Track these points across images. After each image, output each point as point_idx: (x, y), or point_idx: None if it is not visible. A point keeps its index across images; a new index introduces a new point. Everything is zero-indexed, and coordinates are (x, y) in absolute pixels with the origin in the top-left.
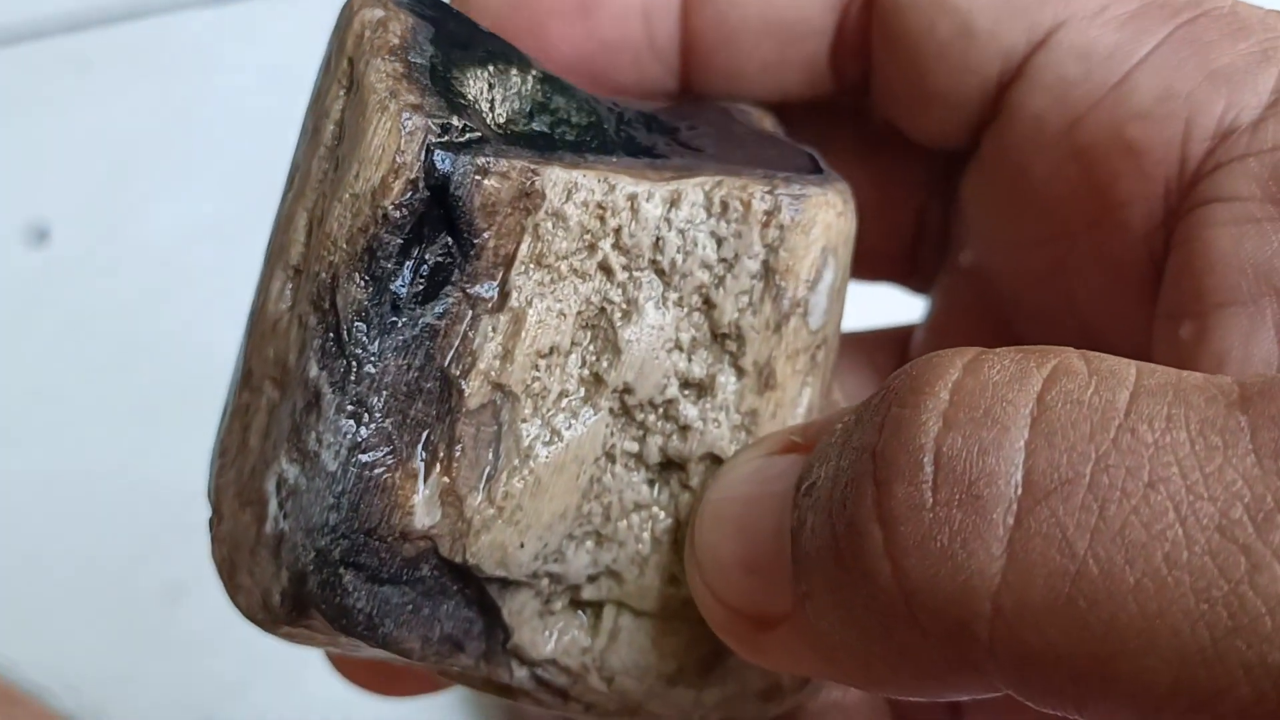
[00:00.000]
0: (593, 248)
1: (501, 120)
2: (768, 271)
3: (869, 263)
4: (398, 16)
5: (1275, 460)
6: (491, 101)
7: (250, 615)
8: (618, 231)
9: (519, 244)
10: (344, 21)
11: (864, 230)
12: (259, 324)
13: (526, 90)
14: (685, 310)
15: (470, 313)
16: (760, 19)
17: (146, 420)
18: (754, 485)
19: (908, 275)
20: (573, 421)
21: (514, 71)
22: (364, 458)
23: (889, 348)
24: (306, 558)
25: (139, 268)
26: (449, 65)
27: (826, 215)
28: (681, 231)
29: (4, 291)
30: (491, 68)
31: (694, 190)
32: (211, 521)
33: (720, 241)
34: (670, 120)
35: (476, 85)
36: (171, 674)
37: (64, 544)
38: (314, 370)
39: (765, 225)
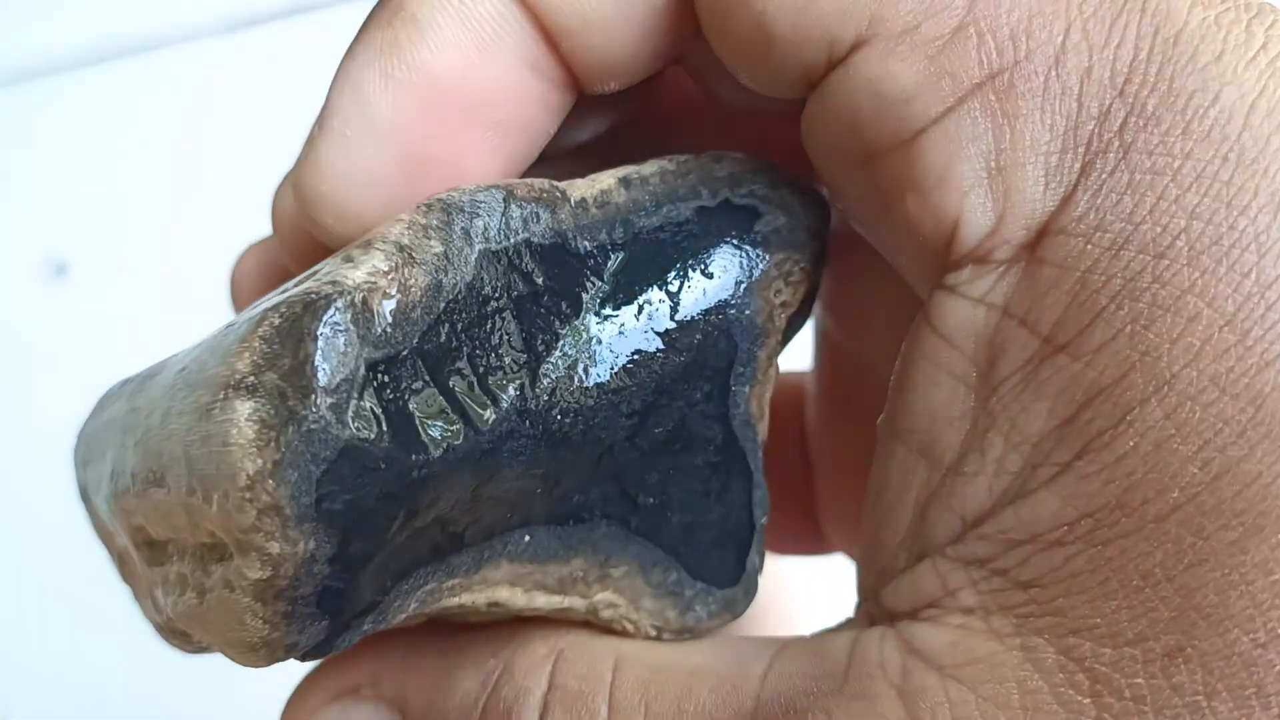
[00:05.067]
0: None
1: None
2: None
3: None
4: (295, 548)
5: None
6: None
7: None
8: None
9: None
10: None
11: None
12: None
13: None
14: None
15: None
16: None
17: None
18: None
19: None
20: None
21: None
22: None
23: None
24: None
25: (157, 299)
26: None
27: None
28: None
29: (25, 325)
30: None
31: (579, 605)
32: None
33: None
34: (637, 473)
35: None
36: (202, 704)
37: (86, 575)
38: None
39: None
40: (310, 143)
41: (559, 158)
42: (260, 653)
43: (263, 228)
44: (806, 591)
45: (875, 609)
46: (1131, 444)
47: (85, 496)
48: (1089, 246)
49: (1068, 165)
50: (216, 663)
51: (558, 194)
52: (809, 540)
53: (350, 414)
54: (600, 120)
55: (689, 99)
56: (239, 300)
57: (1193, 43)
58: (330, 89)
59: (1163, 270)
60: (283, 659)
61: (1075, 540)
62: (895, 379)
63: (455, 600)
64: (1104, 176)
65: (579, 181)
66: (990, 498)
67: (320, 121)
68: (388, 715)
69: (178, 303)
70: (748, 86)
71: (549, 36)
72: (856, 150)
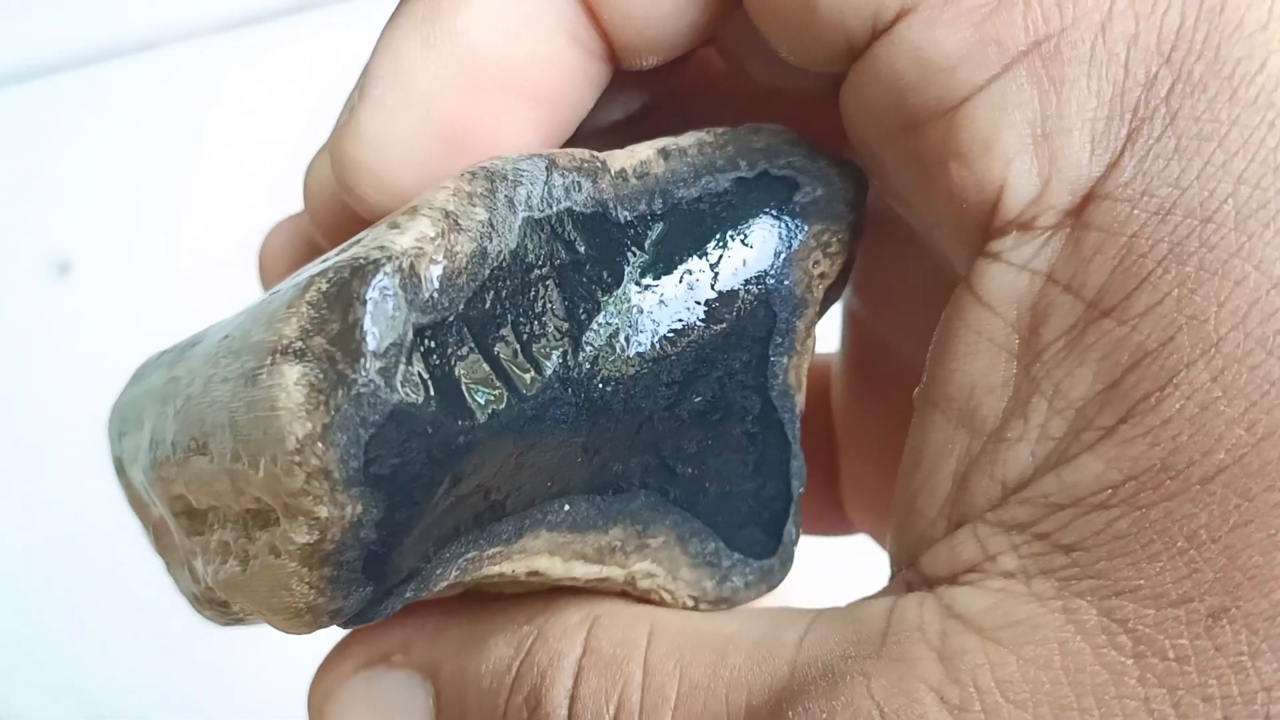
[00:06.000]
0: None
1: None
2: None
3: None
4: (343, 512)
5: None
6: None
7: None
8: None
9: None
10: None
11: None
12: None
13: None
14: None
15: None
16: None
17: None
18: (379, 711)
19: None
20: None
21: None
22: None
23: None
24: None
25: (160, 297)
26: (397, 534)
27: None
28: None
29: (29, 324)
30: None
31: (617, 575)
32: None
33: None
34: (674, 440)
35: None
36: (206, 702)
37: (86, 575)
38: None
39: None
40: (349, 110)
41: (591, 136)
42: (305, 618)
43: (265, 225)
44: (826, 575)
45: (913, 576)
46: (1177, 407)
47: (120, 468)
48: (1135, 211)
49: (1114, 131)
50: (215, 663)
51: (598, 164)
52: (833, 521)
53: (399, 378)
54: (632, 99)
55: (719, 81)
56: (268, 277)
57: (1239, 11)
58: (371, 57)
59: (1209, 234)
60: (326, 625)
61: (1119, 503)
62: (934, 348)
63: (495, 569)
64: (1150, 142)
65: (618, 153)
66: (1033, 463)
67: (360, 89)
68: (419, 682)
69: (181, 300)
70: (787, 60)
71: (589, 7)
72: (899, 120)
